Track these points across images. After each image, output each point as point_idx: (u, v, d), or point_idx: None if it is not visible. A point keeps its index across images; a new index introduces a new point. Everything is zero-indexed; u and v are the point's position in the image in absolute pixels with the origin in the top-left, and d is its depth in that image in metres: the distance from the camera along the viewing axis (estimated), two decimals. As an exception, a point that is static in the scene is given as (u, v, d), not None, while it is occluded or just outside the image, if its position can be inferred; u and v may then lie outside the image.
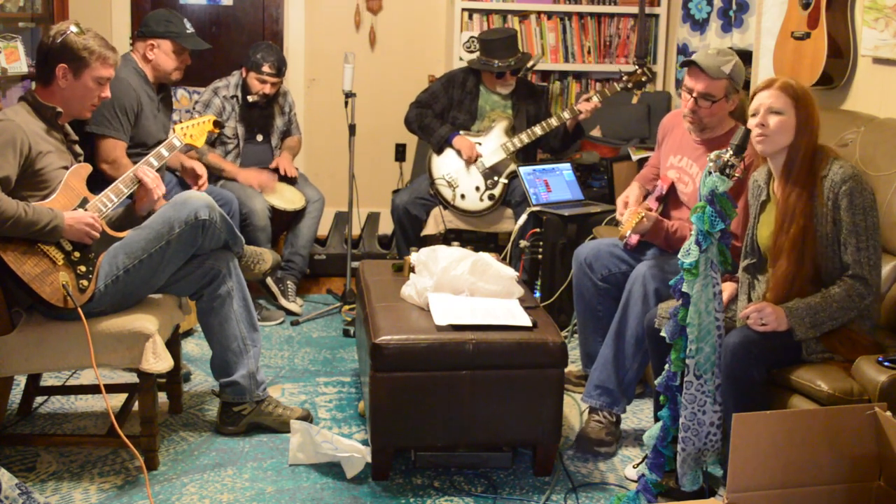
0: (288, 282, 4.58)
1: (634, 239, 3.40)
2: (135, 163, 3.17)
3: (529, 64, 4.77)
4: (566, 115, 4.47)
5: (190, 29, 3.99)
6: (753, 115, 2.71)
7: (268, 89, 4.56)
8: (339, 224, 5.21)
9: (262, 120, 4.69)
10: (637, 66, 4.48)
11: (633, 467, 3.04)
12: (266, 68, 4.51)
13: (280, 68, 4.57)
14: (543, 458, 3.02)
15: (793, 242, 2.66)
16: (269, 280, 4.52)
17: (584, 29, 5.42)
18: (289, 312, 4.52)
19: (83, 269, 2.87)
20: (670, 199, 3.47)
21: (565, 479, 3.02)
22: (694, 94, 3.21)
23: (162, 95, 4.01)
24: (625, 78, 4.45)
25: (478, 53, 4.65)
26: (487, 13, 5.33)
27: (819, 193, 2.65)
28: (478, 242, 4.73)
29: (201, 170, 3.74)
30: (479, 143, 4.57)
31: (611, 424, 3.23)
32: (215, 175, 4.51)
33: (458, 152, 4.54)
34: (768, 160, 2.79)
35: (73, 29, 2.92)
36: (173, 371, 3.12)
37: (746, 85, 3.93)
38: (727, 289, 2.92)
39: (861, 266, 2.63)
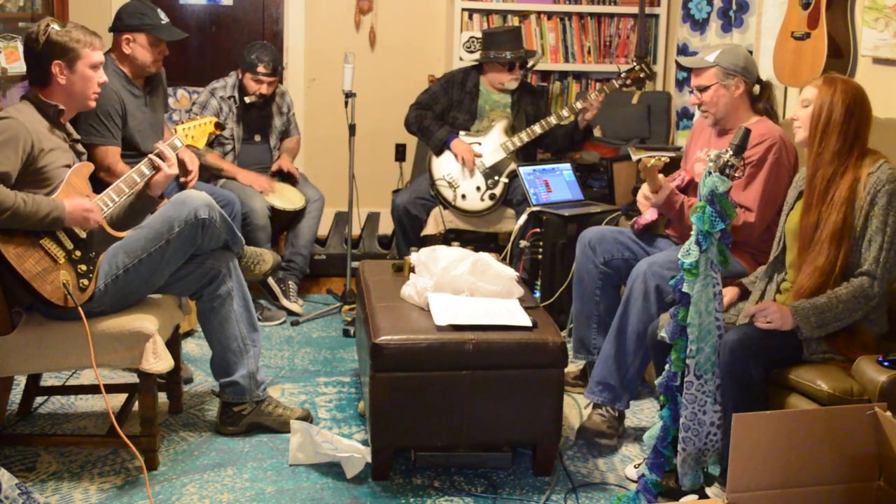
0: (290, 282, 4.58)
1: (645, 219, 3.43)
2: (130, 165, 3.15)
3: (530, 64, 4.77)
4: (565, 113, 4.46)
5: (165, 19, 3.94)
6: None
7: (264, 89, 4.56)
8: (339, 224, 5.21)
9: (260, 120, 4.68)
10: (636, 63, 4.44)
11: (634, 467, 3.04)
12: (261, 68, 4.50)
13: (276, 67, 4.56)
14: (543, 458, 3.02)
15: (831, 235, 2.67)
16: (270, 280, 4.52)
17: (584, 29, 5.42)
18: (290, 312, 4.52)
19: (84, 268, 2.86)
20: (689, 194, 3.48)
21: (565, 479, 3.02)
22: (692, 90, 3.37)
23: (149, 89, 3.99)
24: (623, 75, 4.39)
25: (480, 52, 4.64)
26: (487, 13, 5.33)
27: (861, 187, 2.67)
28: (478, 242, 4.72)
29: (192, 164, 3.48)
30: (479, 143, 4.57)
31: (613, 419, 3.24)
32: (215, 175, 4.51)
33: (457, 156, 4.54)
34: None
35: (54, 27, 2.92)
36: (173, 371, 3.11)
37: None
38: (728, 293, 2.93)
39: (878, 265, 2.64)
